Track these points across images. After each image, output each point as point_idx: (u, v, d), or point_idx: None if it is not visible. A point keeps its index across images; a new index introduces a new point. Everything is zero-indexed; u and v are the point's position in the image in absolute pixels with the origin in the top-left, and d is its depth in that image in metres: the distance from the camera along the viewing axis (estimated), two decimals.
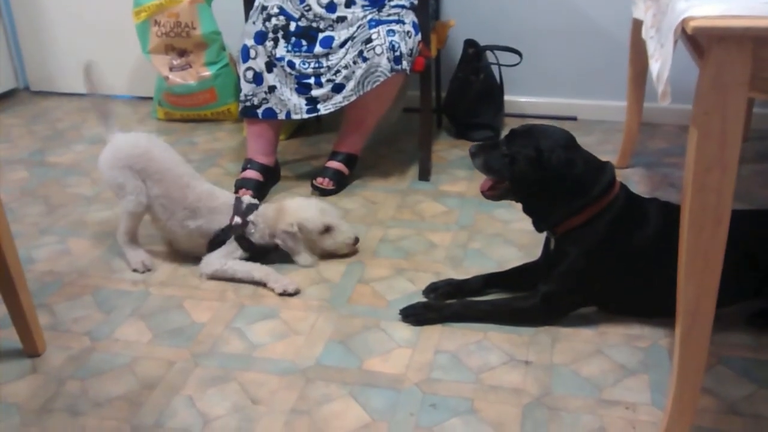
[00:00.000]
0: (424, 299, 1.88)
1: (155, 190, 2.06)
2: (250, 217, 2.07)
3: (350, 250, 2.12)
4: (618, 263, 1.69)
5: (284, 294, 1.94)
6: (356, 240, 2.12)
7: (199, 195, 2.08)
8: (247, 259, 2.07)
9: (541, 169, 1.66)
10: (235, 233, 2.06)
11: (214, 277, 2.02)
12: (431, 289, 1.90)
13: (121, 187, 2.06)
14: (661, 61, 1.29)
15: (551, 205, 1.70)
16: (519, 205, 1.79)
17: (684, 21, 1.12)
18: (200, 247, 2.08)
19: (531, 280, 1.82)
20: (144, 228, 2.15)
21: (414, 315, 1.80)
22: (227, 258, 2.04)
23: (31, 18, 3.57)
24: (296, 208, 2.08)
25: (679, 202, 1.61)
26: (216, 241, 2.06)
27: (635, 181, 2.52)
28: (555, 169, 1.65)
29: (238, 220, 2.07)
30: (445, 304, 1.83)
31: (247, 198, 2.16)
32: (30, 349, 1.71)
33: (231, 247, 2.06)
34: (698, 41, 1.22)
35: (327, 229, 2.07)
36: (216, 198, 2.10)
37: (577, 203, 1.68)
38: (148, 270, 2.07)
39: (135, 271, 2.07)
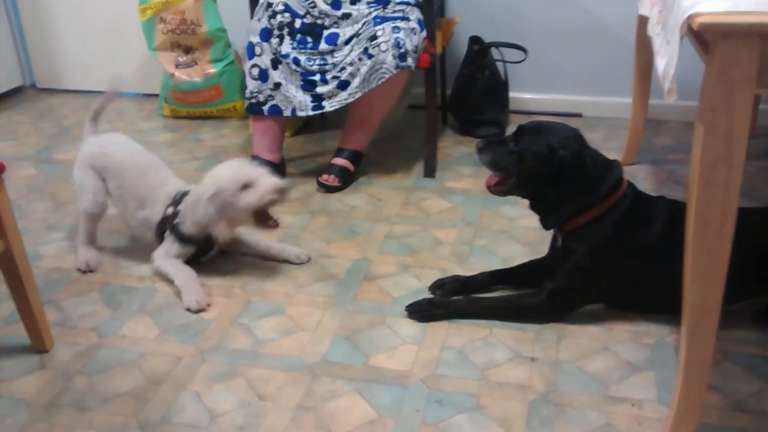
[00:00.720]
0: (429, 296, 1.89)
1: (113, 182, 2.06)
2: (180, 206, 1.97)
3: (275, 199, 1.91)
4: (625, 261, 1.69)
5: (188, 310, 1.86)
6: (282, 188, 1.91)
7: (151, 185, 2.01)
8: (195, 255, 2.02)
9: (549, 167, 1.66)
10: (169, 224, 1.98)
11: (159, 275, 2.00)
12: (437, 286, 1.90)
13: (82, 187, 2.08)
14: (667, 58, 1.29)
15: (559, 203, 1.70)
16: (525, 202, 1.80)
17: (690, 17, 1.12)
18: (151, 240, 2.04)
19: (537, 276, 1.82)
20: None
21: (420, 311, 1.80)
22: (168, 255, 1.98)
23: (38, 15, 3.58)
24: (211, 174, 1.96)
25: (684, 200, 1.61)
26: (159, 234, 2.01)
27: (641, 177, 2.52)
28: (563, 166, 1.65)
29: (170, 210, 1.99)
30: (450, 300, 1.84)
31: (187, 187, 2.04)
32: (38, 345, 1.72)
33: (168, 241, 1.99)
34: (704, 37, 1.22)
35: (246, 186, 1.89)
36: (163, 187, 2.03)
37: (585, 201, 1.68)
38: (90, 271, 2.06)
39: (78, 270, 2.07)
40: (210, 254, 2.09)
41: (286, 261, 2.07)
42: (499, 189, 1.79)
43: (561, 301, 1.76)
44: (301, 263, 2.07)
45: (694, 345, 1.31)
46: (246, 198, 1.90)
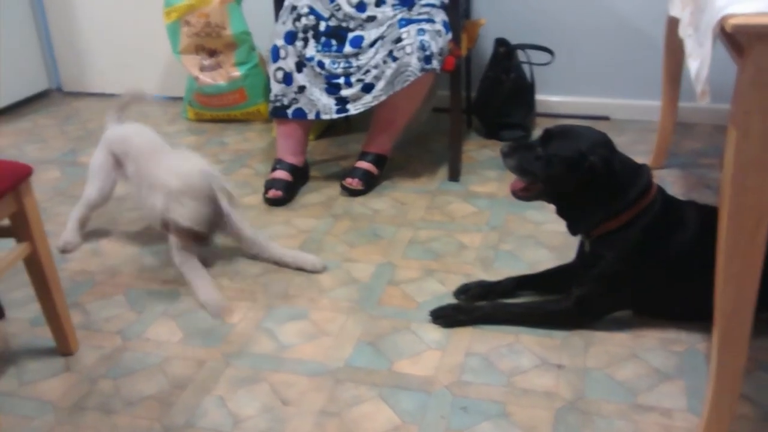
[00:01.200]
0: (454, 301, 1.87)
1: (131, 167, 2.09)
2: None
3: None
4: (654, 267, 1.66)
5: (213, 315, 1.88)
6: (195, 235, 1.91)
7: (159, 172, 1.93)
8: (199, 243, 1.99)
9: (577, 173, 1.63)
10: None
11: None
12: (462, 291, 1.89)
13: (94, 174, 2.16)
14: (699, 60, 1.26)
15: (586, 209, 1.67)
16: (551, 206, 1.77)
17: (723, 19, 1.09)
18: (160, 228, 2.00)
19: (564, 282, 1.80)
20: None
21: (444, 317, 1.79)
22: (177, 247, 1.99)
23: (64, 19, 3.62)
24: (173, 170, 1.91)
25: (714, 204, 1.58)
26: (163, 223, 1.95)
27: (670, 182, 2.48)
28: (593, 172, 1.62)
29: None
30: (475, 305, 1.82)
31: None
32: (63, 347, 1.73)
33: (172, 231, 1.97)
34: (737, 39, 1.19)
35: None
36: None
37: (614, 207, 1.65)
38: (66, 251, 2.17)
39: (58, 248, 2.16)
40: (211, 242, 2.04)
41: (301, 269, 2.05)
42: (525, 194, 1.76)
43: (589, 308, 1.73)
44: (316, 272, 2.04)
45: (725, 353, 1.28)
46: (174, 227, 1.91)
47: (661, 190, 1.70)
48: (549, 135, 1.70)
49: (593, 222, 1.68)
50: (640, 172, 1.67)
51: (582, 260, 1.78)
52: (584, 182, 1.63)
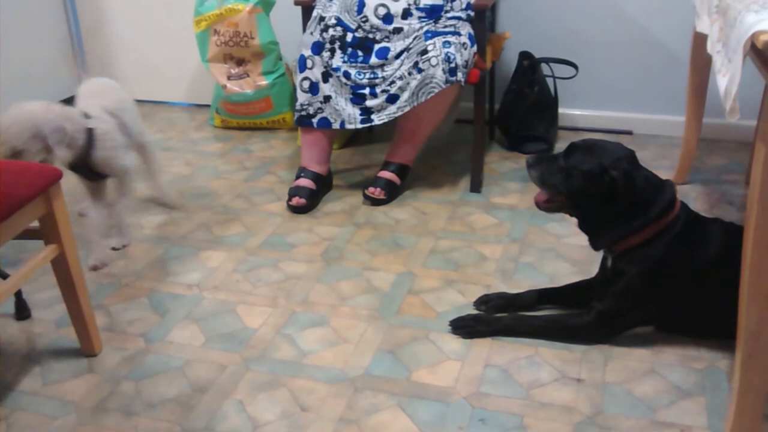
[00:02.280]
0: (474, 311, 1.87)
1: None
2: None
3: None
4: (677, 284, 1.65)
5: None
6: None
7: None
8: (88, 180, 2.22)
9: (598, 186, 1.63)
10: None
11: None
12: (483, 301, 1.89)
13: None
14: (729, 76, 1.26)
15: (609, 223, 1.67)
16: (573, 219, 1.77)
17: (754, 35, 1.09)
18: None
19: (586, 297, 1.79)
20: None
21: (464, 327, 1.79)
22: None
23: (96, 26, 3.67)
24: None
25: (737, 221, 1.57)
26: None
27: (693, 198, 2.47)
28: (614, 187, 1.62)
29: None
30: (496, 317, 1.82)
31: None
32: (87, 348, 1.75)
33: None
34: (766, 55, 1.19)
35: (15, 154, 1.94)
36: None
37: (636, 222, 1.64)
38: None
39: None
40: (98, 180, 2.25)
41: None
42: (548, 206, 1.76)
43: (610, 323, 1.72)
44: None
45: (748, 372, 1.27)
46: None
47: (685, 207, 1.69)
48: (573, 148, 1.70)
49: (615, 237, 1.68)
50: (663, 187, 1.67)
51: (604, 275, 1.78)
52: (605, 196, 1.63)
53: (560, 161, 1.70)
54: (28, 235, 1.63)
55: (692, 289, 1.64)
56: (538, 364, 1.68)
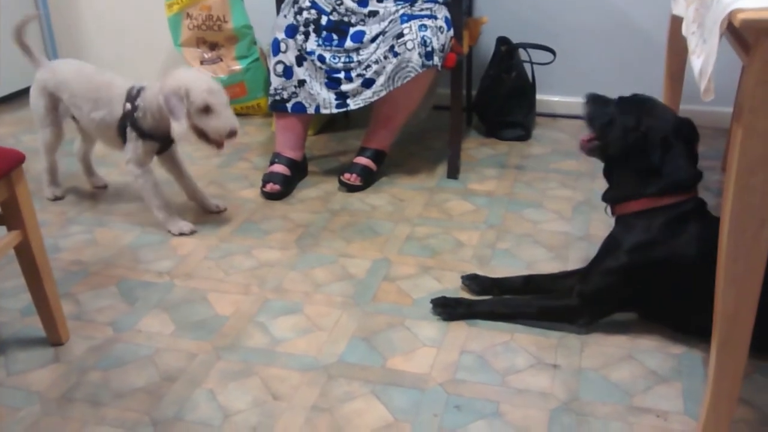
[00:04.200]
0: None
1: (65, 95, 2.21)
2: (138, 101, 2.07)
3: (221, 140, 2.06)
4: (663, 270, 1.61)
5: (182, 234, 2.17)
6: (231, 133, 2.04)
7: (98, 85, 2.14)
8: (158, 153, 2.19)
9: (626, 140, 1.66)
10: (129, 121, 2.08)
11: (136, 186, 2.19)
12: (471, 278, 1.87)
13: (39, 119, 2.30)
14: (704, 57, 1.24)
15: (622, 178, 1.70)
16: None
17: (731, 13, 1.07)
18: (113, 141, 2.18)
19: (573, 286, 1.76)
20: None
21: (444, 305, 1.76)
22: (136, 155, 2.12)
23: (66, 9, 3.60)
24: (187, 75, 2.04)
25: (713, 207, 1.55)
26: (120, 131, 2.12)
27: None
28: (637, 145, 1.63)
29: (128, 106, 2.08)
30: (478, 300, 1.79)
31: (140, 83, 2.13)
32: (53, 337, 1.70)
33: (132, 139, 2.11)
34: (744, 36, 1.17)
35: (207, 109, 2.01)
36: (114, 87, 2.13)
37: (643, 187, 1.64)
38: (59, 198, 2.43)
39: (48, 198, 2.43)
40: (170, 149, 2.24)
41: (205, 207, 2.33)
42: (586, 146, 1.78)
43: (592, 303, 1.69)
44: (219, 212, 2.33)
45: (724, 357, 1.26)
46: (201, 120, 2.02)
47: (697, 201, 1.66)
48: (628, 98, 1.74)
49: (621, 194, 1.69)
50: (687, 171, 1.64)
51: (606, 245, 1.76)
52: (627, 151, 1.66)
53: (611, 107, 1.73)
54: None
55: (678, 279, 1.61)
56: (514, 350, 1.66)
